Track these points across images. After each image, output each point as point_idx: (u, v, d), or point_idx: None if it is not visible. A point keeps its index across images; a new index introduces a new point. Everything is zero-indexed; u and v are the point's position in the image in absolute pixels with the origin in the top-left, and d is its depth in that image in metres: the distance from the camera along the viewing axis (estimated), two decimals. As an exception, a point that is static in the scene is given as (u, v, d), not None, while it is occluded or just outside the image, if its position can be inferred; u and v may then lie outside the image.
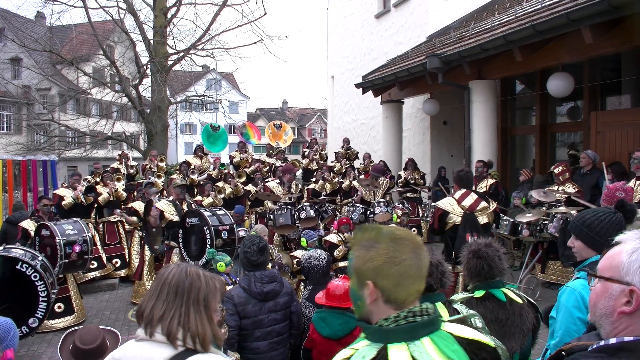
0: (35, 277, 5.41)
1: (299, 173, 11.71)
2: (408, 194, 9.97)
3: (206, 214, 6.48)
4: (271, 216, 7.93)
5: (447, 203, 5.17)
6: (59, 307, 6.56)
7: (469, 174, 5.37)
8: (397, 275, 1.32)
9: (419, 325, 1.31)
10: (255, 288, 3.32)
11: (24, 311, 5.34)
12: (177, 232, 6.70)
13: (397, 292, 1.32)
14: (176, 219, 6.86)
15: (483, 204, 5.13)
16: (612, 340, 1.26)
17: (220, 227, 6.37)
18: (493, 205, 5.30)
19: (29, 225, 7.01)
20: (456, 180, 5.34)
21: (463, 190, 5.17)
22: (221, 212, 6.78)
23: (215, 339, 1.62)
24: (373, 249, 1.34)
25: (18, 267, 5.40)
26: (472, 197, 5.11)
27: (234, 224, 6.61)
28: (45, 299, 5.43)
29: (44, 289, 5.44)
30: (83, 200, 8.38)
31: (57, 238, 6.34)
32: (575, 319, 2.28)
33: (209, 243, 6.26)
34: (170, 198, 7.33)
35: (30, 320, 5.35)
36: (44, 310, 5.42)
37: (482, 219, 5.09)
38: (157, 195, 8.29)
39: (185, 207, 7.19)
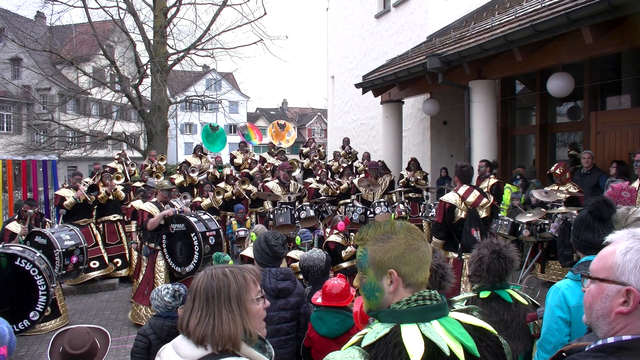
0: (34, 272, 5.49)
1: (298, 173, 11.70)
2: (410, 194, 9.96)
3: (192, 219, 6.35)
4: (271, 216, 7.92)
5: (453, 198, 5.41)
6: (47, 311, 6.52)
7: (470, 169, 5.68)
8: (417, 260, 1.43)
9: (429, 308, 1.39)
10: (270, 284, 3.28)
11: (24, 305, 5.47)
12: (160, 238, 6.58)
13: (417, 276, 1.44)
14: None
15: (484, 200, 5.46)
16: (611, 340, 1.25)
17: (207, 233, 6.29)
18: (491, 199, 5.69)
19: (16, 228, 6.90)
20: (458, 174, 5.59)
21: (466, 187, 5.45)
22: (206, 216, 6.67)
23: (249, 335, 1.63)
24: (392, 240, 1.44)
25: (17, 262, 5.49)
26: (474, 194, 5.40)
27: (219, 229, 6.53)
28: (45, 292, 5.54)
29: (43, 282, 5.54)
30: (87, 197, 8.30)
31: (56, 250, 6.32)
32: (556, 317, 2.29)
33: (197, 250, 6.19)
34: (154, 200, 6.94)
35: (32, 314, 5.48)
36: (44, 304, 5.54)
37: (482, 213, 5.45)
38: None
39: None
